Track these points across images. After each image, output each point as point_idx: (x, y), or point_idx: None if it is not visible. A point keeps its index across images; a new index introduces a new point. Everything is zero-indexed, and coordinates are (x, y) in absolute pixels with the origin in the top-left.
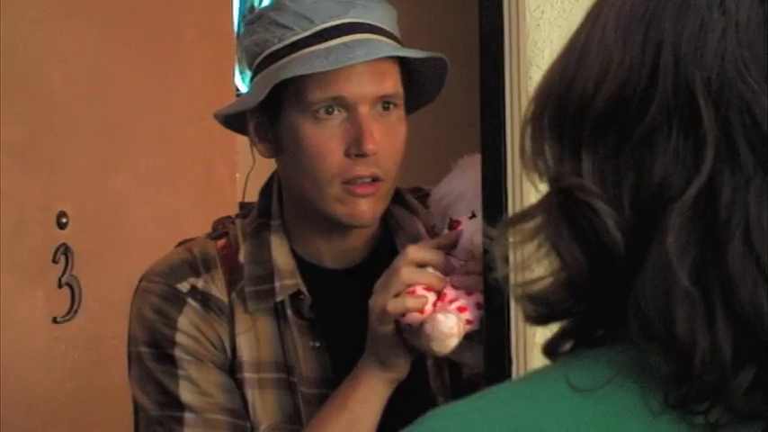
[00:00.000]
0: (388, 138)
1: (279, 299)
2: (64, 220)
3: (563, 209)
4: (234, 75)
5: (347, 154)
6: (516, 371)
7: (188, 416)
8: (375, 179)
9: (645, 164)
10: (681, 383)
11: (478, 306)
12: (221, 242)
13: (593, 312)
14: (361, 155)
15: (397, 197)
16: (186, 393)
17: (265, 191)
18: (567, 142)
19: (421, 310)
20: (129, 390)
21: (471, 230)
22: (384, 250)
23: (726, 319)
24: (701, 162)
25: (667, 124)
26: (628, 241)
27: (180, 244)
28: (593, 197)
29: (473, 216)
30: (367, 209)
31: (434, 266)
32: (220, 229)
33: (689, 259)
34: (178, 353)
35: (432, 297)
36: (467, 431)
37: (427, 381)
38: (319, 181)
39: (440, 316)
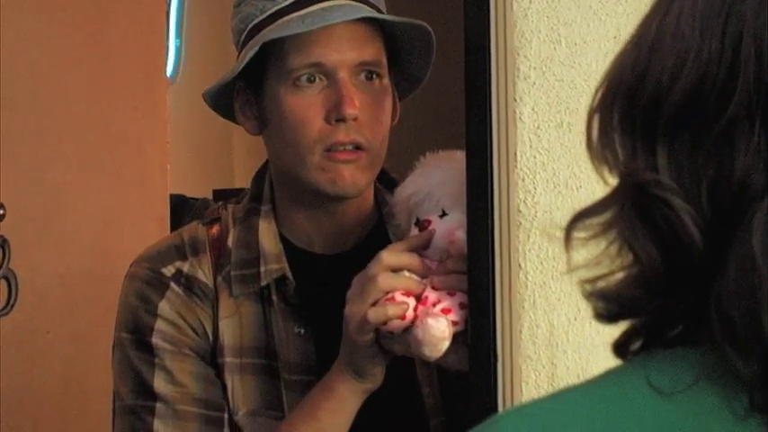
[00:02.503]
0: (370, 106)
1: (264, 283)
2: (0, 212)
3: (637, 205)
4: (166, 66)
5: (327, 120)
6: (502, 367)
7: (159, 406)
8: (357, 147)
9: (725, 160)
10: (767, 386)
11: (461, 306)
12: (213, 228)
13: (667, 311)
14: (341, 119)
15: (392, 185)
16: (160, 383)
17: (258, 176)
18: (640, 136)
19: (402, 317)
20: (64, 385)
21: (444, 229)
22: (376, 238)
23: None
24: None
25: (749, 119)
26: (706, 239)
27: None
28: (669, 193)
29: (444, 215)
30: (348, 175)
31: (411, 270)
32: (213, 215)
33: None
34: (156, 340)
35: (412, 302)
36: None
37: (414, 372)
38: (301, 149)
39: (430, 321)
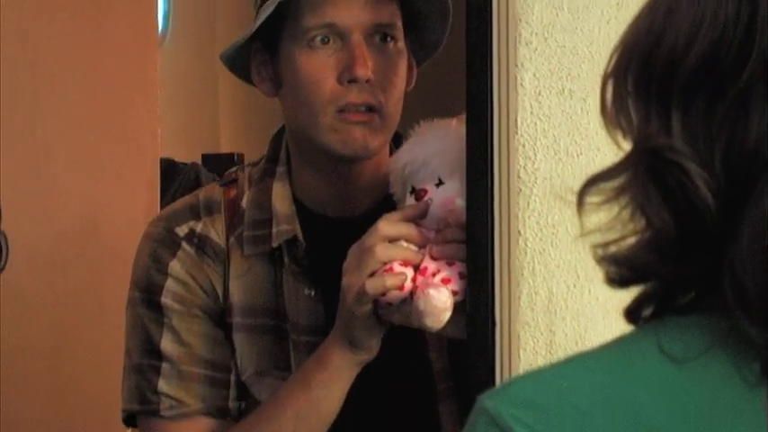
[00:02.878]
0: (383, 69)
1: (275, 244)
2: None
3: (651, 169)
4: (157, 30)
5: (339, 81)
6: (500, 334)
7: (165, 366)
8: (370, 108)
9: (739, 124)
10: None
11: (461, 276)
12: (230, 189)
13: (679, 276)
14: (353, 80)
15: None
16: (167, 343)
17: (275, 138)
18: (655, 100)
19: (401, 288)
20: (54, 343)
21: (442, 198)
22: (391, 202)
23: None
24: None
25: (764, 83)
26: (719, 205)
27: None
28: (683, 158)
29: (440, 183)
30: (360, 137)
31: (408, 240)
32: (231, 176)
33: None
34: (165, 300)
35: (410, 272)
36: (554, 397)
37: (422, 337)
38: (314, 110)
39: (432, 291)
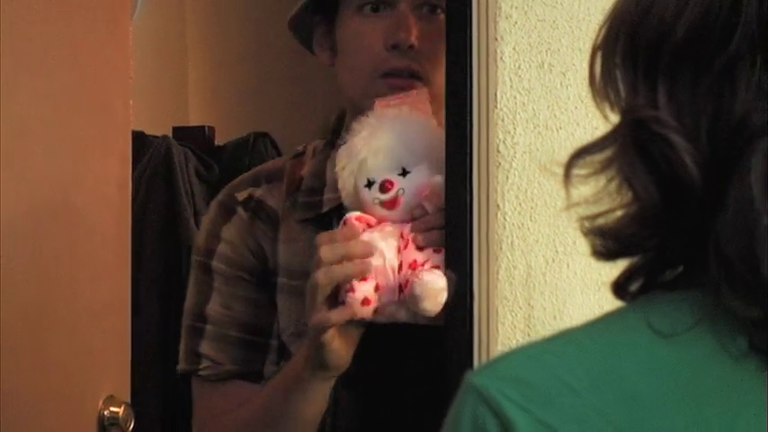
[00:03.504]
0: (430, 38)
1: (324, 210)
2: None
3: (637, 141)
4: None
5: (385, 47)
6: (478, 308)
7: (208, 328)
8: (412, 75)
9: (725, 97)
10: (766, 326)
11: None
12: (296, 159)
13: (666, 249)
14: (396, 45)
15: None
16: (212, 305)
17: (340, 111)
18: (642, 72)
19: (367, 301)
20: (27, 317)
21: (413, 186)
22: None
23: None
24: None
25: (750, 55)
26: (705, 177)
27: None
28: (669, 130)
29: (404, 173)
30: None
31: (352, 257)
32: (300, 149)
33: None
34: (216, 263)
35: (372, 282)
36: (543, 373)
37: None
38: (362, 77)
39: (426, 275)
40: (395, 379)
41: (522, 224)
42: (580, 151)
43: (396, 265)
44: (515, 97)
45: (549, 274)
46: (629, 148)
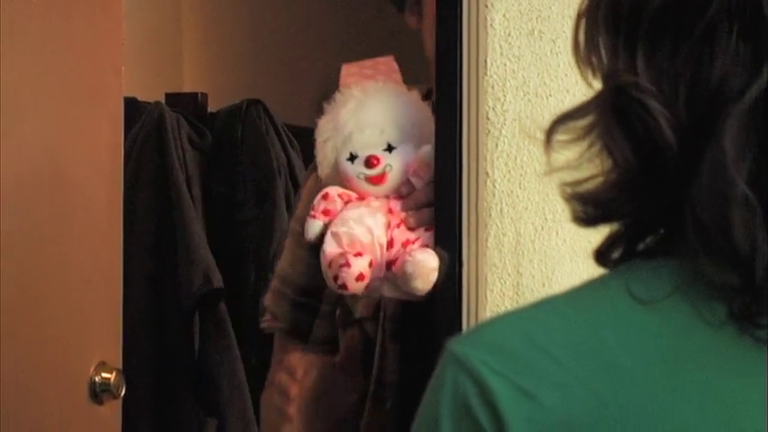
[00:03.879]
0: None
1: None
2: None
3: (616, 107)
4: None
5: None
6: (467, 275)
7: (273, 282)
8: None
9: (703, 63)
10: (743, 293)
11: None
12: None
13: (645, 215)
14: None
15: None
16: (281, 263)
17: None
18: (623, 39)
19: (362, 277)
20: (19, 287)
21: (400, 163)
22: None
23: None
24: (762, 63)
25: (728, 23)
26: (681, 142)
27: None
28: (647, 95)
29: (390, 149)
30: None
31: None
32: None
33: (747, 163)
34: (293, 224)
35: (366, 258)
36: (523, 341)
37: None
38: None
39: (418, 254)
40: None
41: (512, 191)
42: (562, 117)
43: (384, 242)
44: (505, 64)
45: (538, 241)
46: (609, 113)
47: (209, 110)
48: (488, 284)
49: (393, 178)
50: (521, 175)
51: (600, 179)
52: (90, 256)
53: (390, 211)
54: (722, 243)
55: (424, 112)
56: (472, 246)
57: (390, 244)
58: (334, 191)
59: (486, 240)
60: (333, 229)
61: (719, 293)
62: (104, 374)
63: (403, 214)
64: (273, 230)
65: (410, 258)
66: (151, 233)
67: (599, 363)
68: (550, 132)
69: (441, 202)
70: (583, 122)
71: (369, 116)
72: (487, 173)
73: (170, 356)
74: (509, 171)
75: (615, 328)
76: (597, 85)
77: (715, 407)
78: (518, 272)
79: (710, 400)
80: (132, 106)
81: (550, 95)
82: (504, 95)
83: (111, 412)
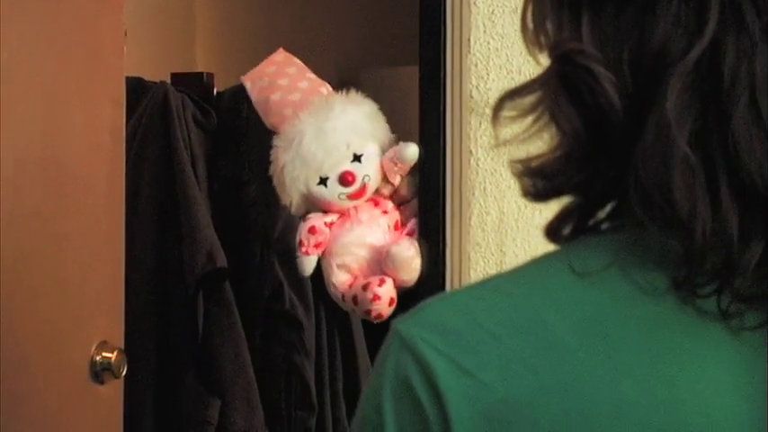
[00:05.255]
0: None
1: None
2: None
3: (561, 75)
4: None
5: None
6: (450, 254)
7: None
8: None
9: (646, 27)
10: (685, 260)
11: None
12: None
13: (594, 187)
14: None
15: None
16: None
17: None
18: (567, 9)
19: (392, 301)
20: (11, 267)
21: (374, 166)
22: None
23: (730, 190)
24: (703, 25)
25: None
26: (626, 107)
27: None
28: (591, 61)
29: (356, 159)
30: None
31: None
32: None
33: (688, 124)
34: None
35: (389, 282)
36: (465, 320)
37: None
38: None
39: (393, 248)
40: None
41: (495, 170)
42: (510, 93)
43: (389, 245)
44: (489, 43)
45: (521, 220)
46: (554, 83)
47: (217, 90)
48: (472, 263)
49: (372, 185)
50: (504, 153)
51: (548, 154)
52: (91, 236)
53: (376, 203)
54: (663, 205)
55: (367, 105)
56: (456, 225)
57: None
58: (319, 222)
59: (470, 219)
60: (337, 261)
61: (660, 263)
62: (106, 354)
63: (390, 204)
64: (278, 211)
65: (387, 255)
66: (155, 213)
67: (539, 340)
68: (497, 109)
69: (424, 181)
70: (531, 99)
71: (332, 137)
72: (471, 151)
73: (173, 336)
74: (492, 150)
75: (556, 304)
76: (545, 63)
77: (656, 383)
78: (501, 250)
79: (651, 377)
80: (138, 86)
81: (534, 74)
82: (488, 74)
83: (113, 393)
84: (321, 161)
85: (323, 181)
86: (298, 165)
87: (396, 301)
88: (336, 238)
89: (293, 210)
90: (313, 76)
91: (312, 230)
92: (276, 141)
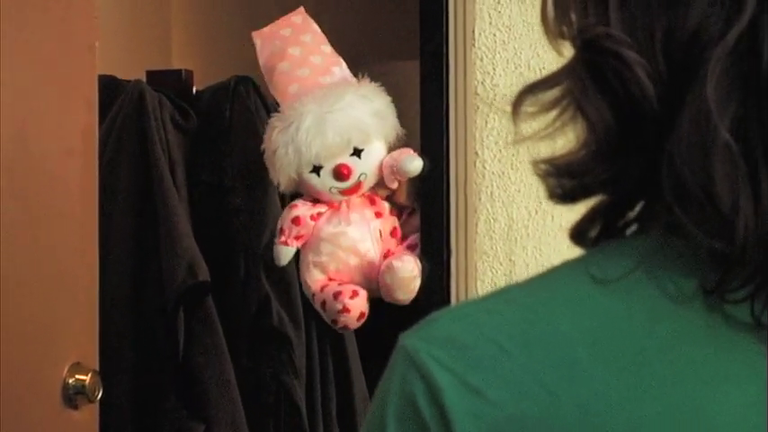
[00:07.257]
0: None
1: None
2: None
3: (589, 63)
4: None
5: None
6: (456, 264)
7: None
8: None
9: (680, 7)
10: (722, 261)
11: None
12: None
13: (624, 184)
14: None
15: None
16: None
17: None
18: None
19: (362, 315)
20: None
21: (374, 163)
22: None
23: None
24: (743, 3)
25: None
26: (660, 94)
27: None
28: (621, 46)
29: (356, 153)
30: None
31: None
32: None
33: (730, 111)
34: None
35: (363, 295)
36: (474, 334)
37: None
38: None
39: (395, 263)
40: None
41: (503, 173)
42: (530, 86)
43: (377, 253)
44: (495, 35)
45: (531, 226)
46: (581, 72)
47: (196, 88)
48: (479, 274)
49: (367, 184)
50: (512, 154)
51: (574, 152)
52: (63, 248)
53: (372, 201)
54: (702, 199)
55: (382, 99)
56: (461, 232)
57: (388, 252)
58: (305, 213)
59: (476, 226)
60: (314, 258)
61: (689, 267)
62: (79, 376)
63: (387, 206)
64: (264, 219)
65: (386, 269)
66: (131, 222)
67: (553, 355)
68: (517, 104)
69: (426, 186)
70: (555, 93)
71: (332, 129)
72: (477, 153)
73: (152, 357)
74: (500, 151)
75: (572, 315)
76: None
77: (679, 402)
78: (510, 260)
79: (674, 395)
80: (112, 85)
81: (544, 68)
82: (494, 69)
83: (88, 418)
84: (316, 152)
85: (316, 169)
86: (291, 151)
87: (366, 315)
88: (320, 232)
89: (281, 188)
90: (329, 49)
91: (296, 221)
92: (274, 120)
